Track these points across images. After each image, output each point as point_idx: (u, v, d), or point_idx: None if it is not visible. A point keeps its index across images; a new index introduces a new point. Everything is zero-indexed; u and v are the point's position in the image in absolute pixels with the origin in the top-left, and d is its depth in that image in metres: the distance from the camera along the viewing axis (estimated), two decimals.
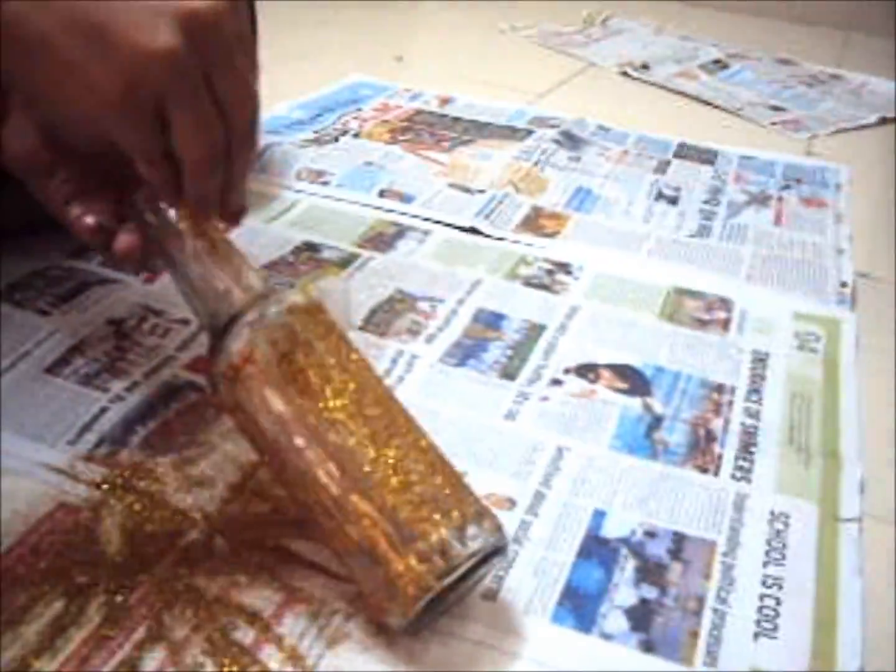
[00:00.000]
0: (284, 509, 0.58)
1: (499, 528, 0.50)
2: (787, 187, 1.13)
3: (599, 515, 0.60)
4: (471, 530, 0.48)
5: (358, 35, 1.66)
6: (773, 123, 1.37)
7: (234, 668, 0.48)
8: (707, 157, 1.21)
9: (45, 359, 0.69)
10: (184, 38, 0.51)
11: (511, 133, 1.22)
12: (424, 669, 0.49)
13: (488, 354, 0.75)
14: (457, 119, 1.26)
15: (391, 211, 0.98)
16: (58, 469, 0.60)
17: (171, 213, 0.57)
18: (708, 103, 1.45)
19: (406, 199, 1.00)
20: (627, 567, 0.56)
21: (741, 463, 0.65)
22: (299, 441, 0.50)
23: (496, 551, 0.50)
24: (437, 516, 0.48)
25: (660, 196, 1.07)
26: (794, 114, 1.42)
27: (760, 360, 0.77)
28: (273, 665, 0.49)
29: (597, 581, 0.55)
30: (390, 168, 1.08)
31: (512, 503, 0.60)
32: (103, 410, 0.65)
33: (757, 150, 1.24)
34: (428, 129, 1.21)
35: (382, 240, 0.91)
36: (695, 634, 0.52)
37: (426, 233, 0.93)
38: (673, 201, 1.06)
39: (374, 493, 0.48)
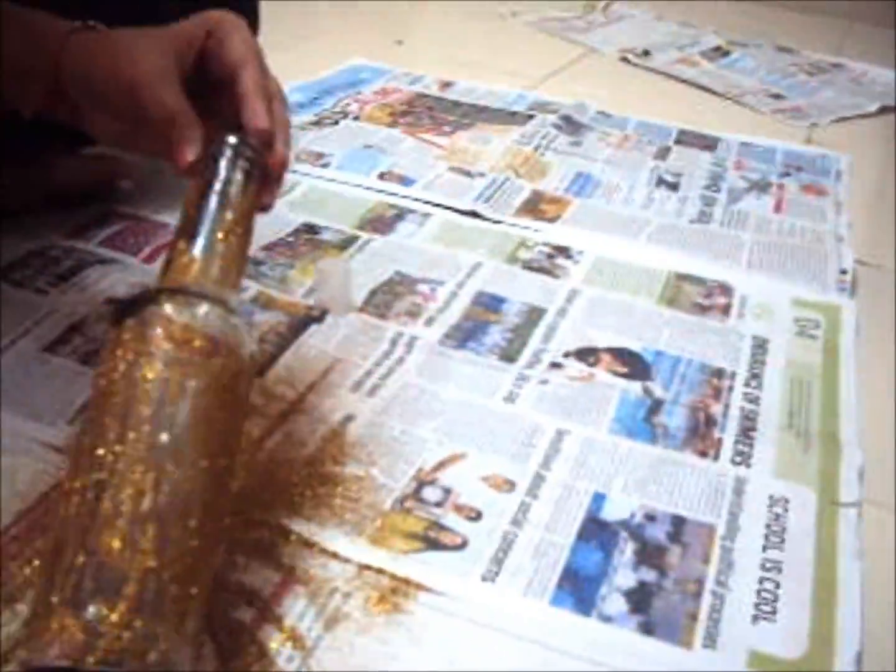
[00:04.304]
0: (283, 487, 0.58)
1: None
2: (787, 175, 1.13)
3: (599, 498, 0.60)
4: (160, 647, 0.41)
5: (359, 19, 1.65)
6: (774, 111, 1.37)
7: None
8: (707, 143, 1.20)
9: (44, 338, 0.69)
10: None
11: (511, 118, 1.22)
12: (423, 649, 0.49)
13: (488, 337, 0.74)
14: (457, 103, 1.25)
15: (391, 194, 0.97)
16: (56, 448, 0.59)
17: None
18: (708, 90, 1.44)
19: (406, 181, 1.00)
20: (627, 550, 0.56)
21: (741, 448, 0.65)
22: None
23: None
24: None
25: (660, 182, 1.07)
26: (795, 102, 1.41)
27: (760, 345, 0.77)
28: (273, 645, 0.49)
29: (596, 563, 0.55)
30: (390, 151, 1.07)
31: (511, 485, 0.60)
32: None
33: (757, 137, 1.23)
34: (428, 112, 1.21)
35: (382, 222, 0.91)
36: (694, 617, 0.53)
37: (426, 216, 0.93)
38: (673, 187, 1.06)
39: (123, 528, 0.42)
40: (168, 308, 0.49)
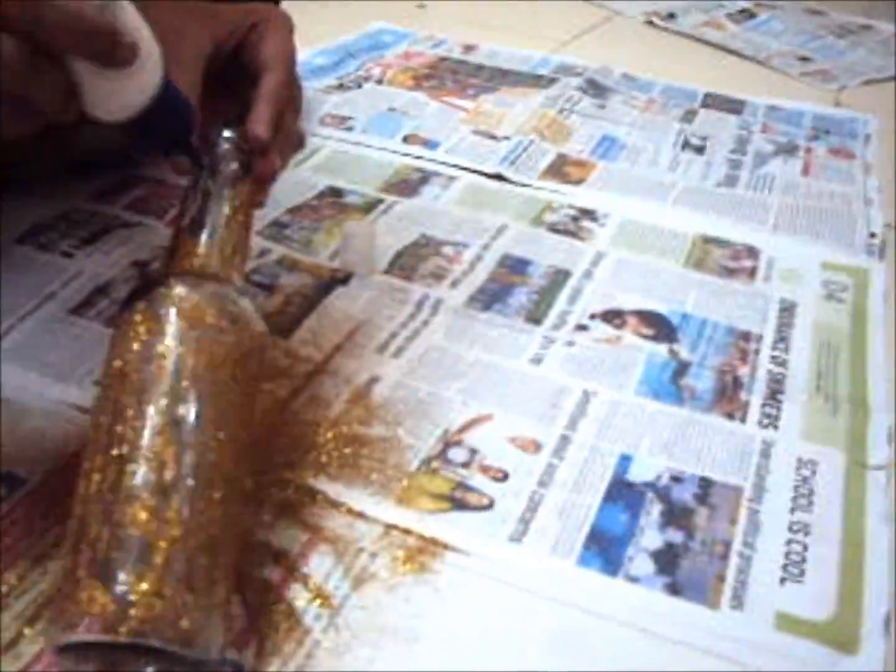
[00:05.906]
0: (309, 448, 0.58)
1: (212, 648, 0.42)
2: (815, 138, 1.11)
3: (625, 460, 0.59)
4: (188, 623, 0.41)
5: None
6: (802, 74, 1.35)
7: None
8: (734, 107, 1.19)
9: (70, 300, 0.69)
10: None
11: (535, 81, 1.20)
12: (450, 609, 0.49)
13: (514, 299, 0.74)
14: (480, 66, 1.24)
15: (416, 157, 0.97)
16: (83, 409, 0.60)
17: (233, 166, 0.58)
18: (735, 53, 1.42)
19: (430, 145, 0.99)
20: (653, 511, 0.56)
21: (768, 410, 0.65)
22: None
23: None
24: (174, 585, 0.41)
25: (686, 145, 1.06)
26: (823, 64, 1.40)
27: (787, 308, 0.76)
28: (300, 603, 0.49)
29: (623, 524, 0.55)
30: (414, 114, 1.07)
31: (538, 446, 0.60)
32: None
33: (785, 100, 1.22)
34: (451, 76, 1.20)
35: (407, 185, 0.91)
36: (721, 578, 0.52)
37: (451, 178, 0.93)
38: (699, 150, 1.05)
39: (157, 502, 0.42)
40: (178, 289, 0.50)
